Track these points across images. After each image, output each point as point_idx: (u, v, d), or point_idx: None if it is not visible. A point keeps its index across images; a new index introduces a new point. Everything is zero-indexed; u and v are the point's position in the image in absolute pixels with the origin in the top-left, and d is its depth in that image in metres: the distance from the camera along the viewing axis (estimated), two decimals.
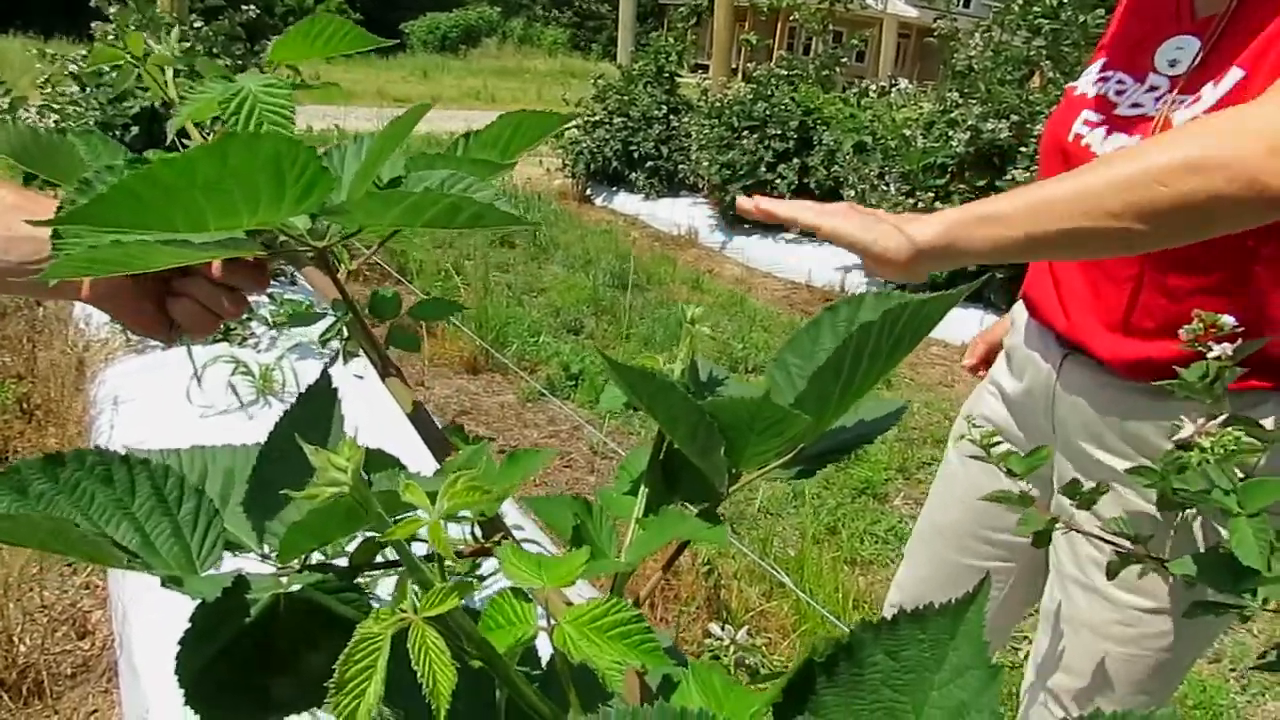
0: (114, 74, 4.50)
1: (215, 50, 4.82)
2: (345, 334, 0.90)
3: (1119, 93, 1.07)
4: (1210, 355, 0.87)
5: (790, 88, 6.53)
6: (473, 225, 0.48)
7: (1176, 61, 1.01)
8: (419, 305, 0.74)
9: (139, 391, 3.13)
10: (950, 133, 5.09)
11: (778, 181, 6.27)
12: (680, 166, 7.57)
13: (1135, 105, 1.04)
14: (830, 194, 6.18)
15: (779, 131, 6.30)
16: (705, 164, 6.71)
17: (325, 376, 0.57)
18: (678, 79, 8.12)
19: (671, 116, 7.75)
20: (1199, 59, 0.98)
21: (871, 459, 3.41)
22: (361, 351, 0.69)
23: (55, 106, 4.60)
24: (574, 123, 8.22)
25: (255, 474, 0.55)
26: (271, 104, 0.66)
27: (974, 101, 5.14)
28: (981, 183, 4.91)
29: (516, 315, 4.71)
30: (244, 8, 4.83)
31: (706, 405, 0.44)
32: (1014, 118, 4.89)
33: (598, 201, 8.22)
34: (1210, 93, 0.95)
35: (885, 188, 5.51)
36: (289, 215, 0.50)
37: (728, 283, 6.00)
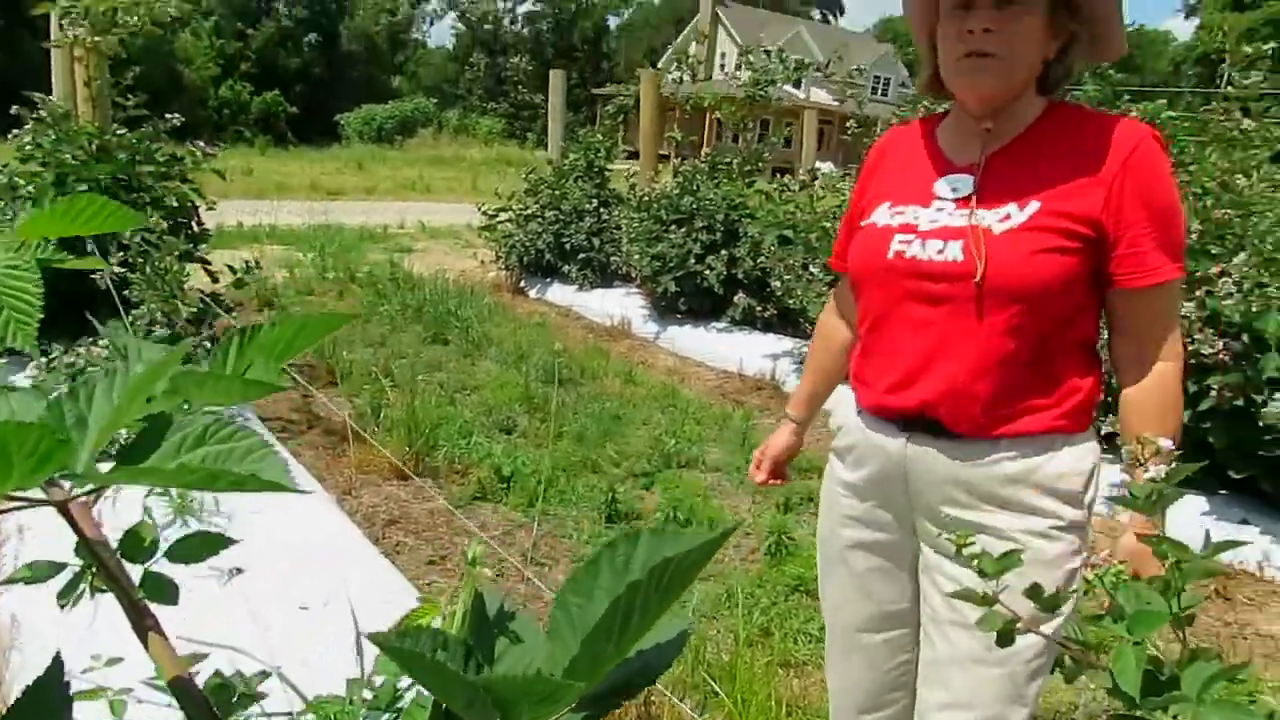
0: None
1: (138, 157, 4.81)
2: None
3: (916, 217, 1.38)
4: (1146, 476, 0.95)
5: (714, 182, 6.72)
6: (236, 490, 0.46)
7: (957, 189, 1.36)
8: (176, 545, 0.70)
9: (46, 517, 3.01)
10: None
11: (707, 273, 6.40)
12: (612, 258, 7.69)
13: (933, 221, 1.36)
14: (758, 284, 6.31)
15: (706, 224, 6.45)
16: (636, 256, 6.83)
17: (57, 663, 0.50)
18: (607, 172, 8.31)
19: (602, 209, 7.91)
20: (977, 186, 1.34)
21: (804, 554, 3.41)
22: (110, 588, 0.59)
23: None
24: (505, 216, 8.33)
25: None
26: (13, 288, 0.61)
27: None
28: None
29: (449, 415, 4.67)
30: (167, 116, 4.84)
31: (479, 681, 0.45)
32: None
33: (531, 293, 8.28)
34: (1017, 213, 1.28)
35: (810, 276, 5.66)
36: (19, 486, 0.45)
37: (660, 373, 6.05)
